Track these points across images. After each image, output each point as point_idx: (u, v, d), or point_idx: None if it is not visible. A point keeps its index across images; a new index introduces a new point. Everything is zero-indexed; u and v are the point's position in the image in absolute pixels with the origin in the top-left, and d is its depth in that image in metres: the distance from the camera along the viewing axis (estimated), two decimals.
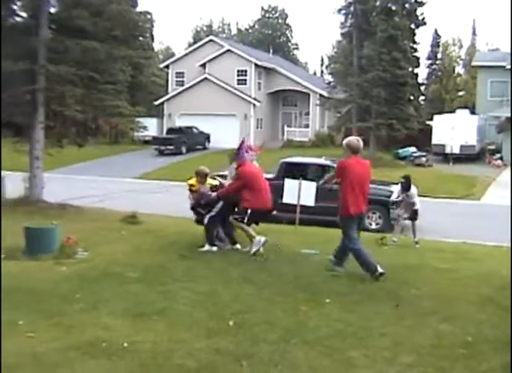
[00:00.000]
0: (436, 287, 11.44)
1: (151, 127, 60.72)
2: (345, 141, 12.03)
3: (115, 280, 11.00)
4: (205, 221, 14.33)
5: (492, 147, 50.20)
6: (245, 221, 13.94)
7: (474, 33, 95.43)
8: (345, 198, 11.72)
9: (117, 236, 15.92)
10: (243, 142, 14.68)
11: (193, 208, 14.98)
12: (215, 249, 14.13)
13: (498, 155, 47.51)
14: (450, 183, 35.82)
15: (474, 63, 61.17)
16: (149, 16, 67.58)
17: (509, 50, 56.81)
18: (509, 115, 47.58)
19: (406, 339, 8.29)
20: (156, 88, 70.56)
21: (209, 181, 15.02)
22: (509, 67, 51.41)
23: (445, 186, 34.41)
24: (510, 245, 16.34)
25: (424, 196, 29.31)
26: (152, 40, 77.60)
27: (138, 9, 55.47)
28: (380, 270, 11.53)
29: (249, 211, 13.85)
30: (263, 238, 13.83)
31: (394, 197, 18.01)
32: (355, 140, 11.89)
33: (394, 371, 7.22)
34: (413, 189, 17.30)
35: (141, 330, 8.28)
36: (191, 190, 14.95)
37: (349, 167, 11.60)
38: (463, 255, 15.55)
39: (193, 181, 14.99)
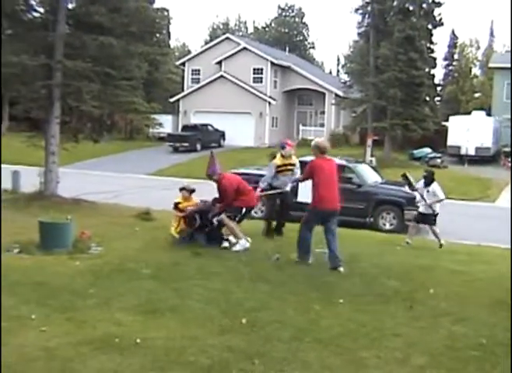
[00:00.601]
0: (449, 289, 11.41)
1: (166, 123, 60.77)
2: (313, 142, 13.14)
3: (128, 276, 11.03)
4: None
5: (507, 149, 49.96)
6: (237, 219, 14.72)
7: (491, 35, 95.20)
8: (315, 194, 12.66)
9: (131, 232, 15.94)
10: (212, 157, 14.96)
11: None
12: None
13: None
14: (465, 185, 35.69)
15: (491, 64, 60.91)
16: (165, 13, 67.70)
17: None
18: None
19: (419, 341, 8.27)
20: (172, 85, 70.64)
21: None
22: None
23: (460, 187, 34.27)
24: None
25: None
26: (169, 36, 77.71)
27: (155, 6, 55.88)
28: (310, 260, 12.71)
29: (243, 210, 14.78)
30: (248, 244, 14.32)
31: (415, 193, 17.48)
32: (323, 141, 13.20)
33: (405, 372, 7.20)
34: (435, 188, 16.78)
35: (153, 326, 8.30)
36: (176, 208, 15.03)
37: (318, 166, 12.56)
38: (476, 257, 15.50)
39: (179, 199, 15.16)
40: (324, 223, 12.90)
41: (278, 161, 16.45)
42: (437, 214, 16.99)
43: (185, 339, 7.88)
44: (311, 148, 12.94)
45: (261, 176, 23.25)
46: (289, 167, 16.47)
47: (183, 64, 66.71)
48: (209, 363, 7.14)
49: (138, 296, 9.74)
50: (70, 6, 21.99)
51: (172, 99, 62.76)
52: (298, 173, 16.33)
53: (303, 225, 13.08)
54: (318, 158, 12.75)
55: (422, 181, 16.94)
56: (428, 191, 16.75)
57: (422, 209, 17.03)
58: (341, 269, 12.26)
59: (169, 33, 75.94)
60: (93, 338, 7.70)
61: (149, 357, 7.20)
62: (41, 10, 22.17)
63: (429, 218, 16.96)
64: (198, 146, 52.73)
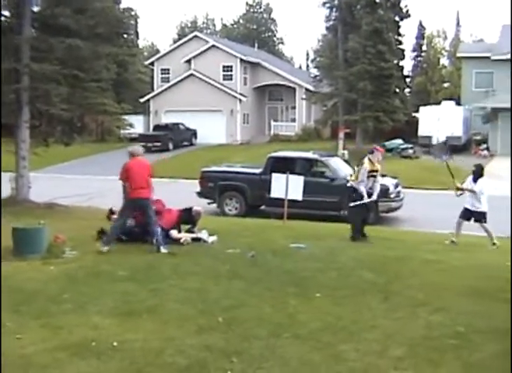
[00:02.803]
0: (425, 279, 11.46)
1: (137, 124, 60.44)
2: (128, 150, 14.81)
3: (104, 279, 10.97)
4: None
5: (478, 137, 50.22)
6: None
7: (458, 25, 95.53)
8: (127, 189, 14.10)
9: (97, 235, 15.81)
10: None
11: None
12: None
13: (484, 146, 47.54)
14: (438, 175, 35.69)
15: (458, 54, 61.07)
16: (132, 13, 67.42)
17: (493, 41, 57.05)
18: (494, 105, 47.72)
19: (396, 332, 8.30)
20: (142, 85, 70.27)
21: None
22: (494, 57, 51.55)
23: (432, 177, 34.36)
24: (500, 235, 16.42)
25: (412, 188, 29.42)
26: (137, 36, 77.47)
27: (122, 6, 55.51)
28: (105, 248, 13.57)
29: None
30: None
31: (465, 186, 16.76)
32: (136, 148, 14.79)
33: (384, 363, 7.22)
34: (481, 184, 15.96)
35: (130, 329, 8.26)
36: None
37: (131, 167, 14.09)
38: (451, 246, 15.60)
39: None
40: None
41: (368, 165, 16.03)
42: (485, 212, 16.02)
43: (162, 340, 7.85)
44: (130, 154, 14.52)
45: (242, 173, 23.39)
46: (374, 173, 16.26)
47: (152, 63, 66.42)
48: (187, 363, 7.11)
49: (114, 299, 9.69)
50: (35, 9, 21.78)
51: (142, 100, 62.46)
52: (380, 180, 16.64)
53: (119, 214, 14.63)
54: (131, 161, 14.32)
55: (471, 176, 16.28)
56: (473, 188, 16.01)
57: (468, 206, 16.16)
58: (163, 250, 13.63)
59: (137, 33, 75.73)
60: (70, 343, 7.64)
61: (127, 360, 7.16)
62: (6, 13, 21.94)
63: (478, 215, 16.03)
64: (171, 145, 52.59)
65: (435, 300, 9.88)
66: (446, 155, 17.01)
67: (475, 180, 16.02)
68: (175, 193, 24.28)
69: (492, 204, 16.59)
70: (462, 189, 16.25)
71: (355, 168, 16.66)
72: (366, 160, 16.06)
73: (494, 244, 15.77)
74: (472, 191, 15.92)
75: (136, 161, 14.30)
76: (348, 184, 16.71)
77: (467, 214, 16.17)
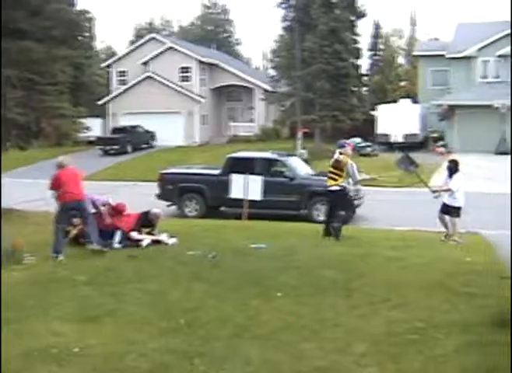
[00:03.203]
0: (386, 275, 11.53)
1: (95, 127, 59.93)
2: (57, 160, 14.76)
3: (63, 284, 10.86)
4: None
5: (435, 135, 50.68)
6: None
7: (413, 24, 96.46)
8: (59, 196, 14.16)
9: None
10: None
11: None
12: None
13: (441, 143, 47.97)
14: (396, 172, 36.06)
15: (414, 53, 61.57)
16: (88, 15, 66.95)
17: (448, 40, 57.64)
18: (450, 103, 48.20)
19: (359, 329, 8.34)
20: (99, 88, 69.66)
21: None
22: (449, 56, 52.06)
23: (391, 174, 34.63)
24: (464, 231, 16.61)
25: (371, 185, 29.54)
26: (93, 39, 76.74)
27: (77, 8, 54.99)
28: (60, 257, 13.45)
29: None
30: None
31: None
32: (64, 158, 14.85)
33: (347, 361, 7.24)
34: (456, 180, 16.01)
35: (92, 333, 8.18)
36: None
37: (61, 176, 14.14)
38: (411, 242, 15.71)
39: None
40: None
41: (350, 160, 16.08)
42: (460, 207, 16.09)
43: (124, 344, 7.80)
44: (59, 165, 14.47)
45: (201, 174, 23.33)
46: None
47: (109, 66, 65.97)
48: (150, 367, 7.08)
49: (74, 303, 9.60)
50: None
51: (100, 102, 62.03)
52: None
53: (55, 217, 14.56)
54: (61, 171, 14.27)
55: (446, 173, 16.44)
56: (449, 182, 16.15)
57: (445, 200, 16.24)
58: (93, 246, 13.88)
59: (93, 35, 75.05)
60: (31, 350, 7.55)
61: (88, 366, 7.10)
62: None
63: (453, 209, 16.12)
64: (129, 148, 52.25)
65: (396, 296, 9.94)
66: (412, 166, 17.08)
67: (450, 176, 16.16)
68: (135, 195, 24.18)
69: None
70: (438, 191, 16.40)
71: (330, 166, 16.30)
72: (341, 156, 16.04)
73: (454, 240, 15.90)
74: (447, 190, 16.06)
75: (66, 170, 14.35)
76: (337, 188, 16.13)
77: (444, 208, 16.30)
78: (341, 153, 16.11)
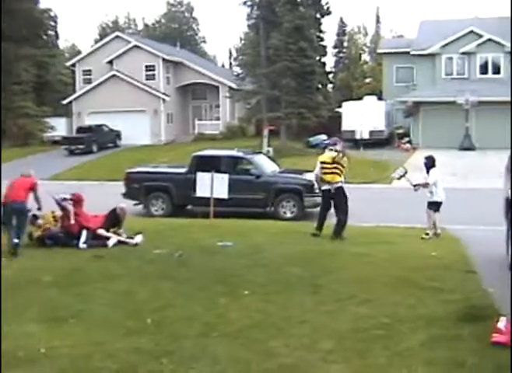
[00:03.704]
0: (352, 272, 11.61)
1: (60, 126, 59.46)
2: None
3: (29, 286, 10.77)
4: None
5: (401, 131, 51.02)
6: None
7: (378, 21, 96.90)
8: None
9: (28, 240, 15.55)
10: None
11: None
12: None
13: (406, 139, 48.25)
14: (362, 169, 36.20)
15: (379, 50, 62.01)
16: (51, 13, 66.43)
17: (412, 37, 58.08)
18: (415, 99, 48.53)
19: (325, 325, 8.38)
20: (63, 87, 69.15)
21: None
22: (413, 53, 52.43)
23: (357, 171, 34.73)
24: (422, 225, 16.76)
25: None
26: (57, 37, 76.14)
27: (41, 6, 54.56)
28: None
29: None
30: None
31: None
32: (26, 170, 15.33)
33: (314, 357, 7.28)
34: (433, 175, 16.27)
35: (58, 335, 8.13)
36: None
37: (14, 182, 14.60)
38: (377, 238, 15.82)
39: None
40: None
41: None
42: (440, 201, 16.31)
43: (91, 344, 7.76)
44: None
45: (167, 173, 23.27)
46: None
47: (73, 65, 65.43)
48: (117, 367, 7.05)
49: (40, 305, 9.53)
50: None
51: (65, 101, 61.53)
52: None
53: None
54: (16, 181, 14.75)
55: (424, 169, 16.65)
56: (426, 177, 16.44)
57: (438, 197, 16.35)
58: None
59: (57, 34, 74.45)
60: None
61: (55, 367, 7.06)
62: None
63: (431, 204, 16.33)
64: (94, 147, 51.90)
65: (362, 292, 10.01)
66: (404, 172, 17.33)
67: (427, 172, 16.39)
68: (101, 195, 24.03)
69: (417, 195, 16.93)
70: (418, 185, 16.55)
71: (331, 162, 16.23)
72: (334, 153, 16.23)
73: (427, 234, 16.08)
74: (426, 184, 16.28)
75: (21, 179, 14.77)
76: (340, 184, 16.36)
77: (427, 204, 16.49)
78: (336, 150, 16.27)
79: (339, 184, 16.17)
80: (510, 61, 48.21)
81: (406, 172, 16.89)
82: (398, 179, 17.28)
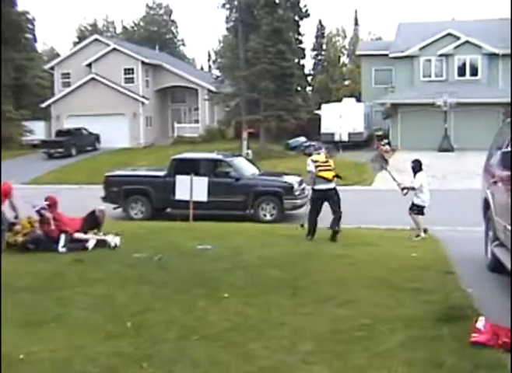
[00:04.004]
0: (332, 274, 11.63)
1: (38, 130, 59.23)
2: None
3: (7, 291, 10.68)
4: None
5: (380, 133, 51.28)
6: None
7: (356, 24, 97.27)
8: None
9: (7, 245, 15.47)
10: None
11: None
12: None
13: (385, 141, 48.48)
14: (342, 170, 36.17)
15: (358, 52, 62.30)
16: (29, 16, 66.05)
17: (390, 39, 58.38)
18: (393, 101, 48.77)
19: (304, 327, 8.39)
20: (42, 90, 68.79)
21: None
22: (392, 55, 52.70)
23: (338, 173, 34.85)
24: (409, 227, 16.92)
25: None
26: (35, 40, 75.80)
27: (18, 9, 54.21)
28: None
29: None
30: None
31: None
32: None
33: (294, 359, 7.28)
34: (419, 178, 16.49)
35: (38, 339, 8.07)
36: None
37: None
38: (358, 240, 15.88)
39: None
40: None
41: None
42: (423, 205, 16.53)
43: (71, 349, 7.72)
44: None
45: (146, 176, 23.25)
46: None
47: (52, 68, 65.16)
48: (98, 371, 7.02)
49: (20, 310, 9.46)
50: None
51: (43, 105, 61.28)
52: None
53: None
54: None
55: (412, 172, 16.84)
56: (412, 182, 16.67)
57: (414, 198, 16.67)
58: None
59: (35, 37, 74.15)
60: None
61: (36, 372, 7.02)
62: None
63: (417, 207, 16.50)
64: (73, 151, 51.75)
65: (341, 294, 10.03)
66: (386, 164, 17.46)
67: (414, 175, 16.58)
68: (80, 198, 23.97)
69: (398, 196, 17.03)
70: (406, 188, 16.77)
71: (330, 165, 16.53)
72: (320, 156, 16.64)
73: (418, 235, 16.24)
74: (413, 188, 16.47)
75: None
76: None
77: (411, 206, 16.63)
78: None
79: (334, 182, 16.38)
80: (496, 63, 48.80)
81: (387, 162, 17.05)
82: (379, 169, 17.38)
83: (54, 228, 14.86)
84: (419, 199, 16.44)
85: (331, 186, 16.22)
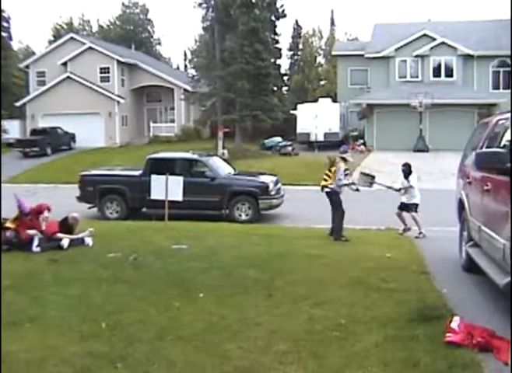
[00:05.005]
0: (308, 273, 11.65)
1: (13, 129, 58.89)
2: None
3: None
4: None
5: (355, 133, 51.51)
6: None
7: (333, 24, 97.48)
8: None
9: None
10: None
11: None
12: None
13: (361, 141, 48.71)
14: (317, 171, 36.20)
15: (334, 52, 62.42)
16: (5, 14, 65.60)
17: (366, 40, 58.64)
18: (369, 102, 49.02)
19: (281, 327, 8.38)
20: (17, 88, 68.36)
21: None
22: (367, 55, 52.96)
23: (312, 173, 34.79)
24: (384, 227, 17.14)
25: (292, 184, 29.83)
26: (11, 39, 75.24)
27: None
28: None
29: None
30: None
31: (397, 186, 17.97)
32: None
33: (269, 359, 7.27)
34: (412, 180, 17.54)
35: (12, 339, 8.00)
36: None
37: None
38: (332, 240, 15.92)
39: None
40: None
41: (343, 165, 16.92)
42: (417, 204, 17.57)
43: (46, 349, 7.66)
44: None
45: (121, 176, 23.16)
46: (347, 171, 17.46)
47: (27, 66, 64.73)
48: (72, 372, 6.97)
49: None
50: None
51: (18, 103, 60.90)
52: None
53: None
54: None
55: (402, 175, 17.69)
56: (408, 182, 17.49)
57: (404, 199, 17.62)
58: None
59: (10, 35, 73.60)
60: None
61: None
62: None
63: (411, 206, 17.44)
64: (49, 150, 51.51)
65: (317, 294, 10.05)
66: (372, 180, 17.89)
67: (406, 178, 17.51)
68: (55, 198, 23.82)
69: (372, 196, 17.11)
70: (402, 189, 17.64)
71: (330, 170, 17.27)
72: (338, 159, 17.07)
73: (421, 233, 16.96)
74: (410, 187, 17.47)
75: None
76: (327, 189, 17.20)
77: (402, 206, 17.60)
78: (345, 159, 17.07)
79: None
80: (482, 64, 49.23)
81: (374, 177, 17.62)
82: (369, 186, 17.95)
83: (28, 222, 14.79)
84: (415, 198, 17.47)
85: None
